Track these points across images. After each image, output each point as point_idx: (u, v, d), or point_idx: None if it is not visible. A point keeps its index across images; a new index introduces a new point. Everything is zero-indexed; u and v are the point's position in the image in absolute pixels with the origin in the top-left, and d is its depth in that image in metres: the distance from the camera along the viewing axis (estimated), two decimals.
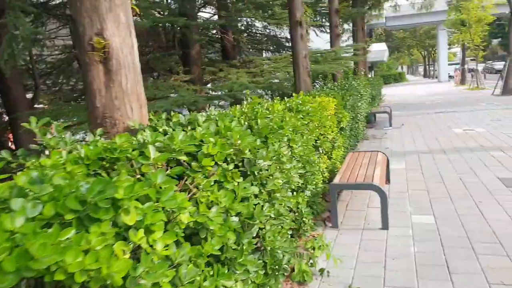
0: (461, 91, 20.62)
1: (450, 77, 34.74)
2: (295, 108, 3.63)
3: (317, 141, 4.36)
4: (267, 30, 13.56)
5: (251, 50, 14.48)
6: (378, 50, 28.46)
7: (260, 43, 14.39)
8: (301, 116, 3.67)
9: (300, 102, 3.76)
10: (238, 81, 9.02)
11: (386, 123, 10.24)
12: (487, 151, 6.25)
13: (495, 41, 45.74)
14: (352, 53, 12.98)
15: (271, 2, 9.05)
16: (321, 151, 4.50)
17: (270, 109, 3.06)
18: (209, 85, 10.50)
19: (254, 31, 14.39)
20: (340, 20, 13.25)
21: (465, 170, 5.28)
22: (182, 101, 7.80)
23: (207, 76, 10.26)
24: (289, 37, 15.71)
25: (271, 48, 14.21)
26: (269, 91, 9.46)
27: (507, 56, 16.39)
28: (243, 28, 14.14)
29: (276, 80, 9.24)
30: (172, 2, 9.86)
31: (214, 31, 12.36)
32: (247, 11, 9.23)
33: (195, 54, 9.97)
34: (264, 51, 14.79)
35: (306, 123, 3.79)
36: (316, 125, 4.14)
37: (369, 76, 27.37)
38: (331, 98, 5.16)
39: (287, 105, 3.63)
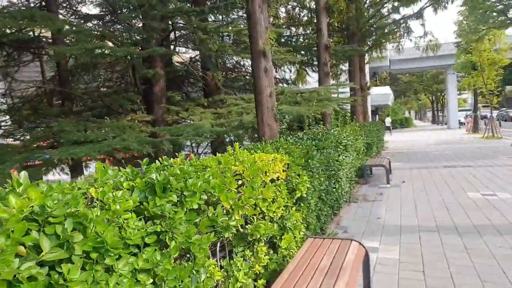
0: (475, 140, 18.65)
1: (461, 123, 32.93)
2: (159, 183, 1.83)
3: (243, 227, 2.61)
4: None
5: (240, 90, 13.05)
6: (382, 94, 26.96)
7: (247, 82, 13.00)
8: (176, 201, 1.87)
9: (179, 171, 1.98)
10: (200, 123, 7.37)
11: (383, 178, 8.34)
12: None
13: (508, 87, 44.27)
14: (348, 94, 11.41)
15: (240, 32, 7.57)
16: (251, 244, 2.71)
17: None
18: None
19: (244, 70, 13.10)
20: (333, 59, 11.78)
21: (492, 274, 3.32)
22: (114, 146, 6.12)
23: (170, 117, 8.64)
24: (280, 76, 14.22)
25: None
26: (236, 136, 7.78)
27: None
28: (230, 66, 12.85)
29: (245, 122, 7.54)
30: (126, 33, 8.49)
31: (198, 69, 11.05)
32: (213, 42, 7.72)
33: (159, 92, 8.42)
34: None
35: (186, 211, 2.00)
36: (232, 204, 2.34)
37: (379, 119, 25.70)
38: (280, 155, 3.37)
39: (146, 179, 1.85)
